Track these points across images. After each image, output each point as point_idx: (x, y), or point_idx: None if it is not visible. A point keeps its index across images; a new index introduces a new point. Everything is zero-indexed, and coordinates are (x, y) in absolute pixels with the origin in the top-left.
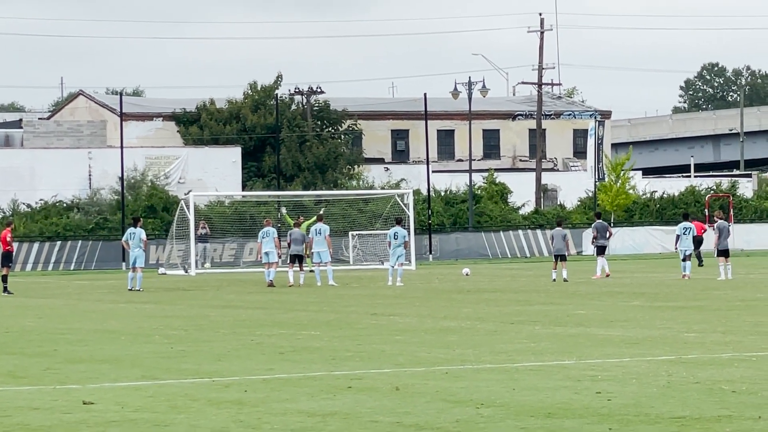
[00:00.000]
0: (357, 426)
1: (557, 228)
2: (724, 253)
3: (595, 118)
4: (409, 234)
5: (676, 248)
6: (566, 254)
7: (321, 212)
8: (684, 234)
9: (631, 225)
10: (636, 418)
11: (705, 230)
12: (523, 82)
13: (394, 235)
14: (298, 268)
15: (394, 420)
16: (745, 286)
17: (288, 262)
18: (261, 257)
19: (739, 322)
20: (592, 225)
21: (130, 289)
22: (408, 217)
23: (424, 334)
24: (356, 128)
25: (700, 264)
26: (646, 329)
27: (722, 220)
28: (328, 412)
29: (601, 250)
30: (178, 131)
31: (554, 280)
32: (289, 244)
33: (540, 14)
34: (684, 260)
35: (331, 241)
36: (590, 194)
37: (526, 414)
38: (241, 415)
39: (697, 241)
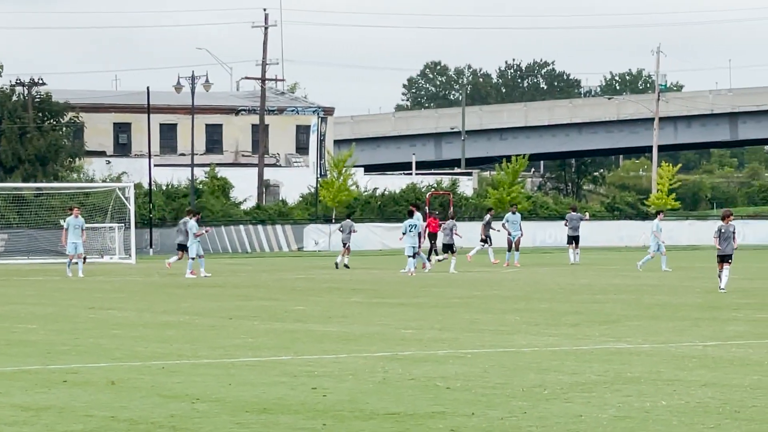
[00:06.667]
0: (71, 420)
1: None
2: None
3: (318, 114)
4: (129, 228)
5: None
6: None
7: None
8: (410, 231)
9: (353, 221)
10: (351, 414)
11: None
12: (246, 78)
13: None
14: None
15: (109, 414)
16: (464, 284)
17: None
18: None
19: (456, 320)
20: None
21: None
22: (129, 211)
23: (142, 329)
24: (78, 120)
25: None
26: (363, 325)
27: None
28: (42, 406)
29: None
30: None
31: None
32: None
33: (264, 10)
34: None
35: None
36: (312, 190)
37: (242, 409)
38: None
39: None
